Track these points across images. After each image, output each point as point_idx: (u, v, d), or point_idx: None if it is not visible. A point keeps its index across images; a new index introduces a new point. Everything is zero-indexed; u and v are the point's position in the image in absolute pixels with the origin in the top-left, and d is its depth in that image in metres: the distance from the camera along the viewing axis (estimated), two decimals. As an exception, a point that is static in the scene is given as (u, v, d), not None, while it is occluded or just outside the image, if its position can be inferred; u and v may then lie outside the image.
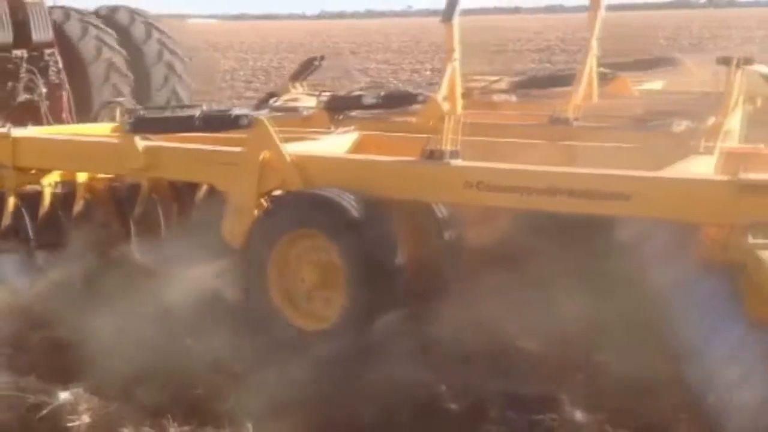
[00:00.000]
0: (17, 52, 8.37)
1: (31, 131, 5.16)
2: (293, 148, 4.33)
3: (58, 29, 8.89)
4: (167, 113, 4.89)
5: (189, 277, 4.37)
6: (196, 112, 4.41)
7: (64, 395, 3.68)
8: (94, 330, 4.07)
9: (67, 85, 8.69)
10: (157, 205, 5.19)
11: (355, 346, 3.84)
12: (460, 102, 6.41)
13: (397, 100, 5.81)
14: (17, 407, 3.63)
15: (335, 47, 36.99)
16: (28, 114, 8.17)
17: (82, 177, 5.06)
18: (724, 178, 3.53)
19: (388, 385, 3.52)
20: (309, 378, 3.63)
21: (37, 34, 8.55)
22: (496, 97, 6.94)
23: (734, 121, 4.66)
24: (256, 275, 4.08)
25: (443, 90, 6.07)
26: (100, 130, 5.31)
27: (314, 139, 4.93)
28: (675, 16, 64.38)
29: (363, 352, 3.79)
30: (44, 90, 8.54)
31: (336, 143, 4.95)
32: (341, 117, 5.85)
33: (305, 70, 7.32)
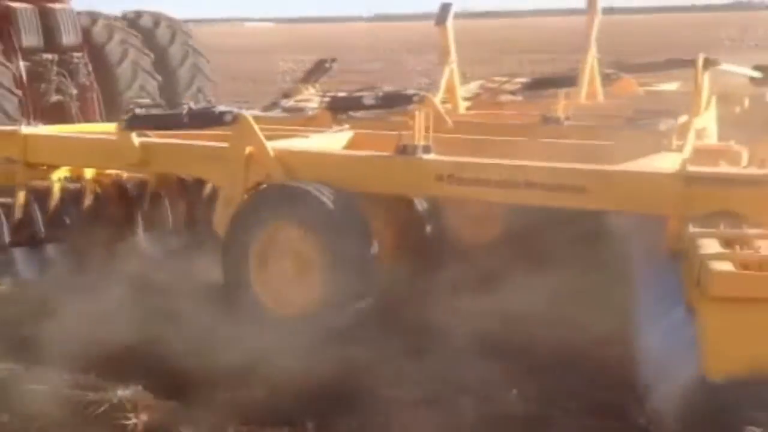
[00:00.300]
0: (47, 56, 8.76)
1: (40, 129, 5.48)
2: (277, 144, 4.58)
3: (86, 33, 9.28)
4: (159, 111, 5.15)
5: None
6: (184, 110, 4.67)
7: (122, 393, 3.70)
8: (148, 328, 4.16)
9: (96, 86, 9.07)
10: (164, 200, 5.49)
11: (331, 331, 4.06)
12: (461, 102, 6.60)
13: (394, 101, 6.00)
14: (75, 404, 3.65)
15: (390, 48, 37.15)
16: (60, 114, 8.55)
17: (89, 173, 5.38)
18: (672, 171, 3.68)
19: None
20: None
21: (66, 37, 8.94)
22: (503, 98, 7.13)
23: (707, 120, 4.77)
24: (238, 265, 4.33)
25: (441, 91, 6.27)
26: (106, 128, 5.61)
27: (308, 137, 5.16)
28: (743, 17, 63.25)
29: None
30: (75, 91, 8.92)
31: (330, 141, 5.17)
32: (344, 116, 6.07)
33: (316, 72, 7.56)
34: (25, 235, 5.33)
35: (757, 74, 5.81)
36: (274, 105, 7.31)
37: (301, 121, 6.22)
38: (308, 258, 4.14)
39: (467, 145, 4.78)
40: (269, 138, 4.61)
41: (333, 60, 7.67)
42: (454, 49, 6.30)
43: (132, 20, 9.94)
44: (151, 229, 5.46)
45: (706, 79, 4.71)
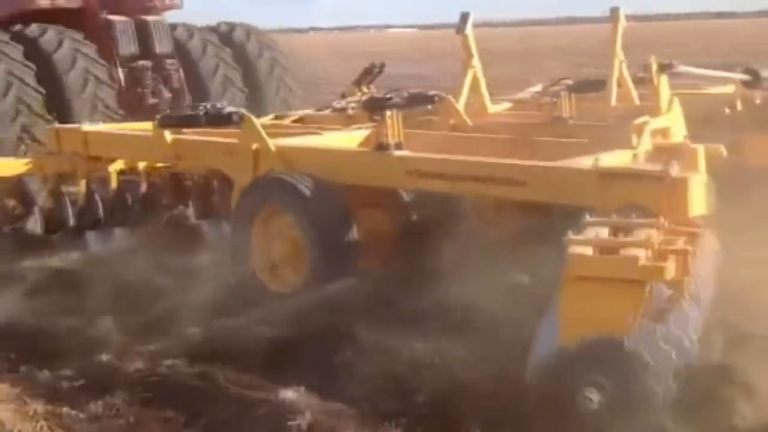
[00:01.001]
0: (142, 62, 9.86)
1: (98, 126, 6.42)
2: (279, 141, 5.29)
3: (183, 46, 10.34)
4: (185, 113, 5.95)
5: None
6: (201, 111, 5.46)
7: (285, 393, 3.77)
8: (310, 327, 4.38)
9: (187, 91, 10.10)
10: (214, 188, 6.25)
11: (314, 303, 4.72)
12: (489, 103, 7.10)
13: (418, 100, 6.59)
14: (239, 403, 3.76)
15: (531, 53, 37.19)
16: (154, 115, 9.62)
17: (142, 164, 6.26)
18: (587, 166, 4.14)
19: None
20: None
21: (159, 46, 10.02)
22: (544, 100, 7.58)
23: (669, 120, 5.11)
24: (241, 243, 5.07)
25: (465, 93, 6.79)
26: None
27: (321, 134, 5.85)
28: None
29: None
30: (168, 95, 9.97)
31: (348, 137, 5.84)
32: (378, 116, 6.72)
33: (366, 76, 8.24)
34: (88, 219, 6.26)
35: (746, 77, 6.08)
36: (327, 106, 8.05)
37: (344, 119, 6.93)
38: (292, 238, 4.84)
39: (463, 143, 5.36)
40: (279, 136, 5.35)
41: (382, 65, 8.31)
42: (476, 55, 6.76)
43: (224, 33, 10.95)
44: (203, 215, 6.25)
45: (663, 82, 5.08)
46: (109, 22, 9.78)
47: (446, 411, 3.66)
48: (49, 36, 9.13)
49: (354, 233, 4.76)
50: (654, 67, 5.11)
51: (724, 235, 4.86)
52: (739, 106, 6.12)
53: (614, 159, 4.54)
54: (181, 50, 10.36)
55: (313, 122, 6.96)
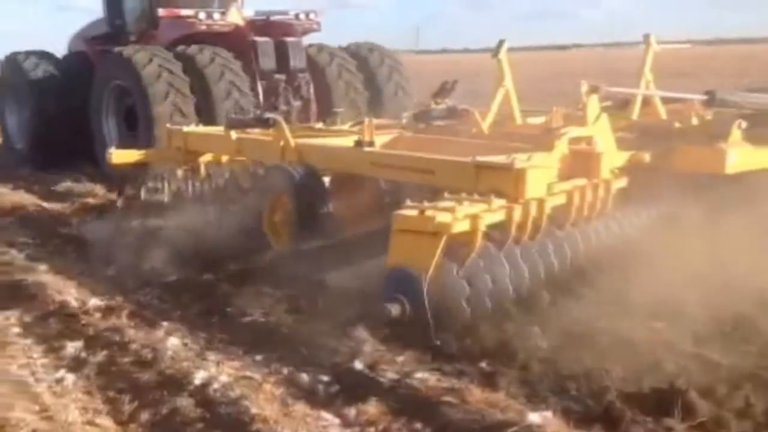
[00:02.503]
0: (278, 76, 12.22)
1: (191, 128, 8.72)
2: (298, 140, 7.28)
3: (313, 59, 12.64)
4: (242, 117, 8.07)
5: None
6: (252, 116, 7.58)
7: (533, 416, 3.94)
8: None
9: (313, 100, 12.35)
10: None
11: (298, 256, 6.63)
12: (519, 115, 8.61)
13: (450, 113, 8.30)
14: (486, 422, 3.95)
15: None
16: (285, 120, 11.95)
17: (225, 157, 8.47)
18: (468, 159, 5.78)
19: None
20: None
21: (294, 62, 12.32)
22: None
23: (594, 131, 6.45)
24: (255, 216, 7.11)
25: (494, 108, 8.33)
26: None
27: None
28: None
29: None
30: (298, 103, 12.26)
31: (347, 138, 7.61)
32: (423, 125, 8.52)
33: (441, 92, 9.99)
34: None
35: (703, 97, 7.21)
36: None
37: (399, 125, 8.80)
38: (288, 212, 6.82)
39: (439, 143, 7.09)
40: (303, 137, 7.37)
41: (455, 82, 9.98)
42: (509, 76, 8.18)
43: (353, 50, 13.16)
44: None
45: (593, 100, 6.48)
46: (254, 42, 12.21)
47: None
48: (204, 54, 11.62)
49: (328, 208, 6.66)
50: (584, 89, 6.54)
51: (646, 225, 6.35)
52: (695, 121, 7.32)
53: (528, 158, 5.99)
54: (313, 65, 12.64)
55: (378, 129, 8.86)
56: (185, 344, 5.22)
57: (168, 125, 9.01)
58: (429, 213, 5.02)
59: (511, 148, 6.27)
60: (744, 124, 6.36)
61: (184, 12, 12.53)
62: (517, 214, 5.37)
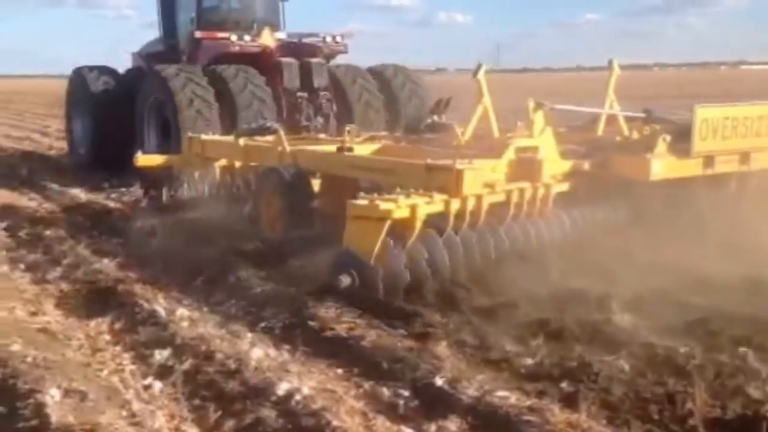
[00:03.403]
0: (301, 94, 13.54)
1: (208, 136, 10.05)
2: (293, 147, 8.55)
3: (336, 79, 13.94)
4: (250, 127, 9.41)
5: None
6: (254, 125, 8.88)
7: None
8: None
9: (333, 116, 13.61)
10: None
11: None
12: (495, 130, 9.77)
13: (435, 127, 9.50)
14: None
15: None
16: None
17: (238, 163, 9.77)
18: (421, 162, 6.95)
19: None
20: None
21: (316, 81, 13.61)
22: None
23: (539, 141, 7.55)
24: (256, 208, 8.39)
25: (473, 122, 9.49)
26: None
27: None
28: None
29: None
30: (320, 119, 13.55)
31: (365, 148, 8.94)
32: (414, 137, 9.75)
33: (437, 107, 11.17)
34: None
35: (642, 115, 8.30)
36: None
37: (394, 137, 10.02)
38: (279, 206, 8.07)
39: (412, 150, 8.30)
40: (298, 144, 8.65)
41: (449, 98, 11.10)
42: (487, 96, 9.30)
43: (378, 71, 14.43)
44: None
45: (539, 115, 7.60)
46: (280, 63, 13.57)
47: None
48: (230, 70, 12.99)
49: (313, 203, 7.91)
50: (531, 105, 7.68)
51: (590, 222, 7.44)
52: (635, 135, 8.42)
53: (470, 162, 7.09)
54: (336, 84, 13.94)
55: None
56: (268, 355, 5.34)
57: (189, 134, 10.32)
58: (376, 202, 6.23)
59: (469, 155, 7.44)
60: (668, 138, 7.46)
61: (221, 35, 13.94)
62: (455, 206, 6.55)
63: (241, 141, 9.15)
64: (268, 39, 14.05)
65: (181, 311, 6.20)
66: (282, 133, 8.59)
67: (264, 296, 6.45)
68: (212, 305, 6.48)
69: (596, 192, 7.58)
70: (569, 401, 4.47)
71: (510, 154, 7.37)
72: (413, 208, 6.28)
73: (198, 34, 14.06)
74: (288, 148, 8.46)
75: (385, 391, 4.74)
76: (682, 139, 7.45)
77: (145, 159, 10.15)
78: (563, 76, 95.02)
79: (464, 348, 5.27)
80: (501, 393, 4.54)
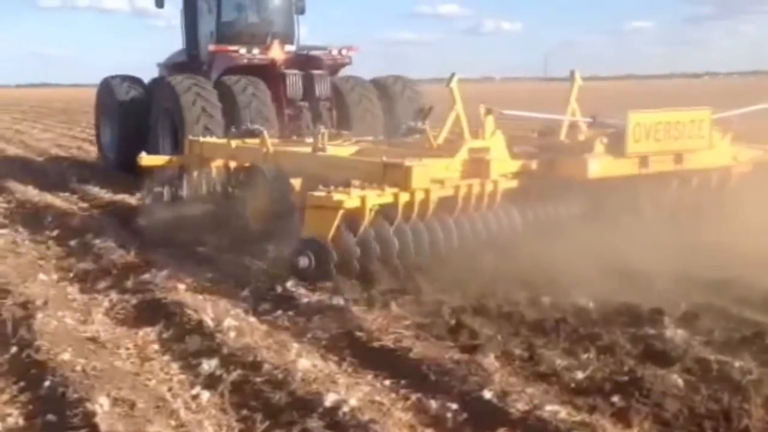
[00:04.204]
0: (302, 103, 14.56)
1: (208, 138, 11.09)
2: (277, 147, 9.54)
3: (338, 89, 14.95)
4: (239, 130, 10.44)
5: None
6: (243, 129, 9.89)
7: None
8: None
9: (332, 124, 14.55)
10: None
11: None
12: (467, 133, 10.66)
13: (413, 131, 10.43)
14: None
15: None
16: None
17: (233, 163, 10.77)
18: (378, 159, 7.90)
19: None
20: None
21: (318, 91, 14.61)
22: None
23: (490, 143, 8.47)
24: (242, 205, 9.38)
25: (447, 126, 10.39)
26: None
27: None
28: None
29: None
30: (321, 126, 14.45)
31: (342, 149, 9.87)
32: (395, 140, 10.70)
33: (418, 114, 12.07)
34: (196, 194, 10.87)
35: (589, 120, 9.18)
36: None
37: (375, 141, 10.95)
38: (263, 201, 9.04)
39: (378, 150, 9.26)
40: (281, 146, 9.65)
41: (431, 107, 11.95)
42: (460, 102, 10.17)
43: (379, 81, 15.40)
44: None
45: (489, 120, 8.51)
46: (284, 74, 14.62)
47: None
48: (237, 80, 13.96)
49: (291, 199, 8.88)
50: (482, 111, 8.61)
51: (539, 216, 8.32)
52: (581, 138, 9.28)
53: (420, 160, 8.02)
54: (338, 94, 14.95)
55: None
56: (315, 366, 5.37)
57: (190, 137, 11.36)
58: (330, 194, 7.20)
59: (428, 154, 8.41)
60: (605, 140, 8.35)
61: (232, 48, 15.02)
62: (404, 198, 7.49)
63: (233, 143, 10.15)
64: (277, 52, 15.07)
65: (229, 321, 6.23)
66: (266, 135, 9.56)
67: (311, 307, 6.57)
68: (259, 315, 6.61)
69: (550, 189, 8.44)
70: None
71: (463, 154, 8.28)
72: (363, 199, 7.23)
73: (211, 47, 15.18)
74: (271, 149, 9.44)
75: (433, 404, 4.74)
76: (620, 141, 8.33)
77: (148, 159, 11.18)
78: (611, 84, 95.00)
79: (513, 360, 5.30)
80: (551, 407, 4.49)
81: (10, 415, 4.90)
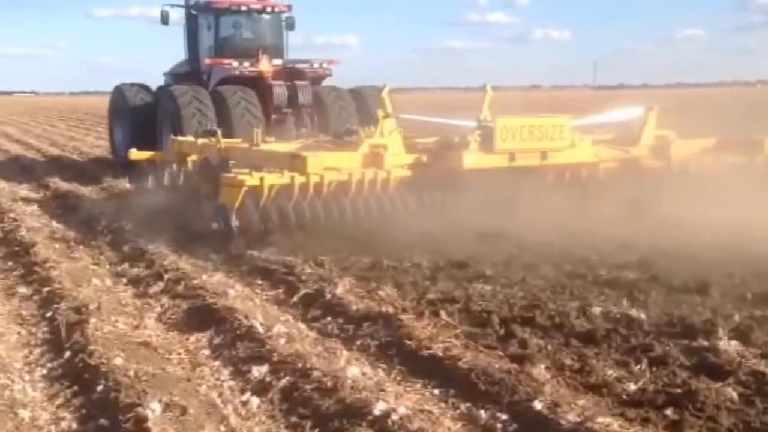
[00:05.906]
0: (286, 110, 16.75)
1: (183, 138, 13.31)
2: (227, 144, 11.73)
3: (320, 97, 17.11)
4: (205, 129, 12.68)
5: None
6: (204, 129, 12.10)
7: None
8: None
9: (313, 129, 16.67)
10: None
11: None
12: (398, 138, 12.65)
13: (351, 132, 12.48)
14: None
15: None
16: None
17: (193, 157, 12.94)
18: (288, 150, 10.01)
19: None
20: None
21: (301, 100, 16.76)
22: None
23: (387, 140, 10.45)
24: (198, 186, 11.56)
25: (378, 131, 12.30)
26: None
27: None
28: None
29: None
30: (304, 129, 16.58)
31: (279, 145, 11.96)
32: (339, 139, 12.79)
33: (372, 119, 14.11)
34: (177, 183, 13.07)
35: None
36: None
37: (318, 140, 13.04)
38: (210, 183, 11.17)
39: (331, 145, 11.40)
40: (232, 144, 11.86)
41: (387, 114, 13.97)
42: (390, 108, 12.26)
43: (357, 91, 17.48)
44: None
45: (387, 122, 10.52)
46: (271, 85, 16.84)
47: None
48: (229, 89, 16.19)
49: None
50: (381, 114, 10.66)
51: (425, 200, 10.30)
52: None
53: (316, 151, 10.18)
54: (319, 102, 17.11)
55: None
56: (365, 374, 5.36)
57: (171, 136, 13.63)
58: (236, 174, 9.35)
59: (342, 149, 10.55)
60: (479, 138, 10.34)
61: (226, 61, 17.35)
62: (299, 180, 9.59)
63: (199, 141, 12.37)
64: (265, 65, 17.31)
65: (279, 327, 6.26)
66: (219, 134, 11.74)
67: (360, 314, 6.57)
68: (309, 322, 6.68)
69: (441, 179, 10.35)
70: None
71: (365, 148, 10.34)
72: (262, 179, 9.36)
73: (207, 61, 17.60)
74: (223, 145, 11.62)
75: (483, 414, 4.72)
76: (490, 140, 10.31)
77: (137, 154, 13.48)
78: (661, 92, 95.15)
79: (564, 371, 5.25)
80: (602, 419, 4.43)
81: (63, 418, 5.04)
